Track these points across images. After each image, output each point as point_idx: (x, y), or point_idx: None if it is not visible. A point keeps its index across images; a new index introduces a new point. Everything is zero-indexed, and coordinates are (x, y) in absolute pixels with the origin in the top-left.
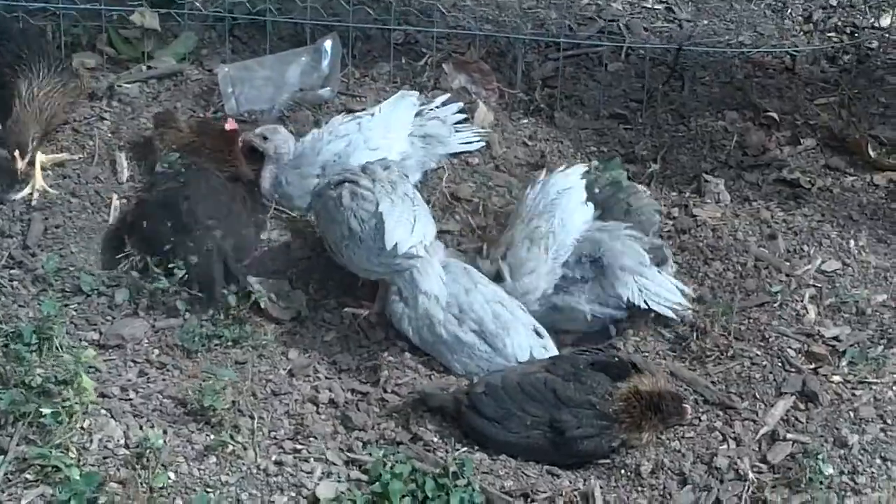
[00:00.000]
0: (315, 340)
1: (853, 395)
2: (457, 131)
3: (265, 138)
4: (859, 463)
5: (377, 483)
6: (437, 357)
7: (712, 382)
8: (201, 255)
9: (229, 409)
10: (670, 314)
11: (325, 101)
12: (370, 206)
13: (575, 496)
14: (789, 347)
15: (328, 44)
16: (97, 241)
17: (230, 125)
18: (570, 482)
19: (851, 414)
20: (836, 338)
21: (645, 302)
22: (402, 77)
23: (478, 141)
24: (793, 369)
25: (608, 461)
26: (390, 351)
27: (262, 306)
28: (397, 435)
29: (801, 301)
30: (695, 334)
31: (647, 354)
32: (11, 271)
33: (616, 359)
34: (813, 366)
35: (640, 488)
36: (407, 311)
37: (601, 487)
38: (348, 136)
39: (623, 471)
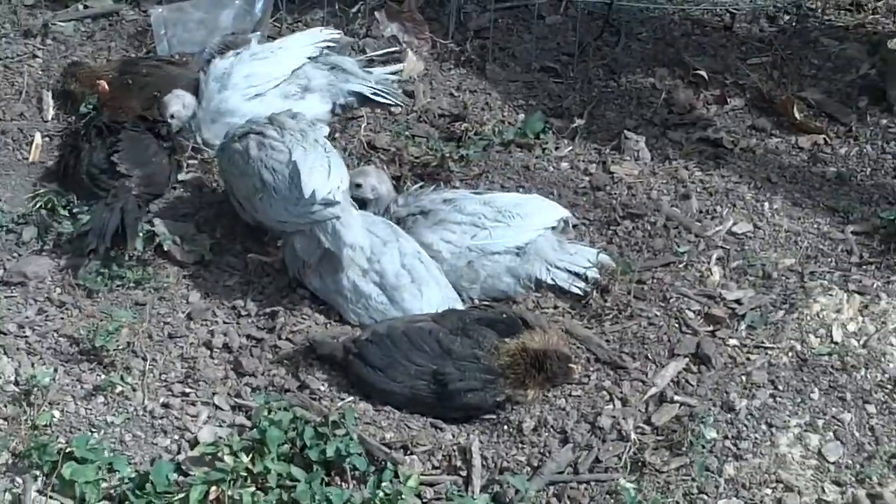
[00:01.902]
0: (217, 285)
1: (748, 359)
2: (368, 71)
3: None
4: (744, 428)
5: (255, 429)
6: (335, 306)
7: (607, 341)
8: (113, 197)
9: (123, 350)
10: (578, 292)
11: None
12: (281, 156)
13: (454, 450)
14: (689, 309)
15: None
16: (14, 178)
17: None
18: (454, 436)
19: (743, 378)
20: (737, 301)
21: (553, 280)
22: (336, 24)
23: (393, 98)
24: (689, 331)
25: (493, 417)
26: (290, 298)
27: (166, 249)
28: (286, 382)
29: (708, 263)
30: (595, 293)
31: (546, 311)
32: None
33: (505, 315)
34: (711, 328)
35: (520, 445)
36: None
37: (481, 442)
38: (240, 52)
39: (506, 427)
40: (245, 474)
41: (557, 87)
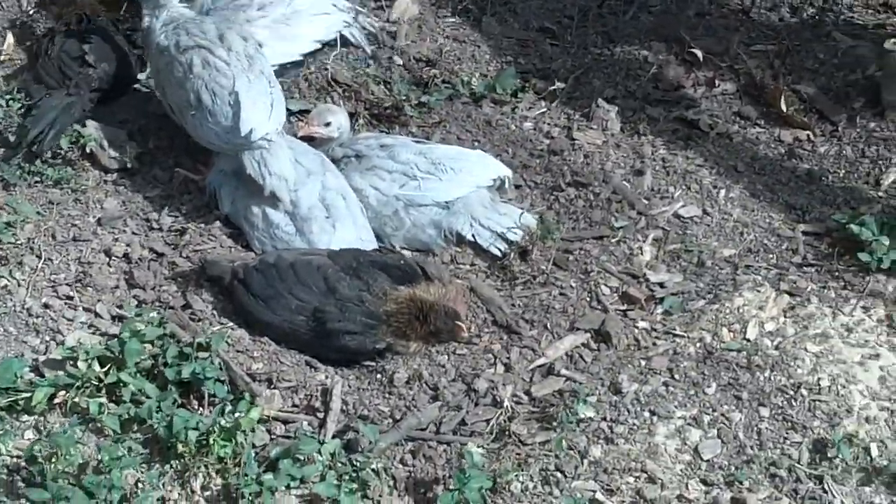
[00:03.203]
0: (136, 195)
1: (653, 344)
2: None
3: None
4: (626, 413)
5: (116, 340)
6: (242, 229)
7: (512, 305)
8: (74, 87)
9: (20, 245)
10: (497, 253)
11: None
12: (225, 81)
13: (317, 391)
14: (606, 285)
15: None
16: None
17: None
18: (327, 377)
19: (642, 363)
20: (661, 284)
21: (473, 237)
22: None
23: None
24: (599, 307)
25: (371, 364)
26: (205, 218)
27: (88, 151)
28: (172, 300)
29: (642, 242)
30: (516, 256)
31: (461, 266)
32: None
33: (403, 262)
34: (623, 308)
35: (387, 395)
36: (227, 180)
37: (348, 387)
38: None
39: (378, 375)
40: (97, 384)
41: (551, 49)
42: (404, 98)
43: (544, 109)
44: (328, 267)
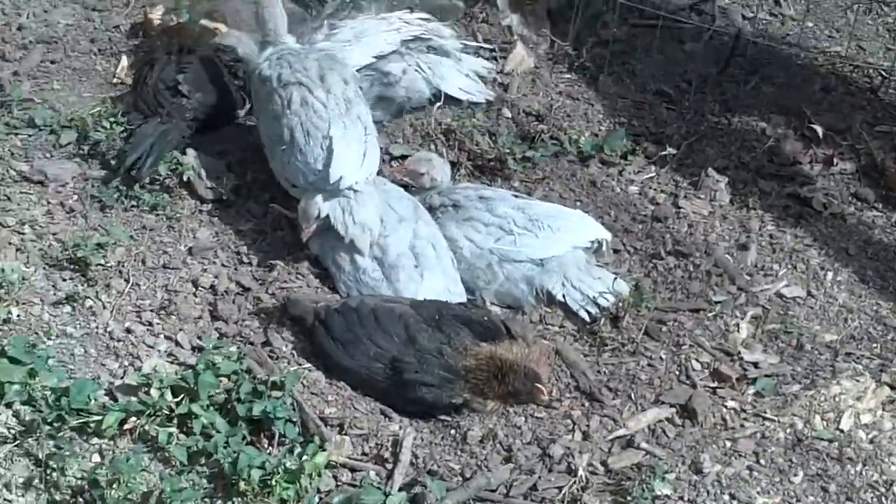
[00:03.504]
0: (229, 227)
1: (741, 425)
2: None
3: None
4: (705, 494)
5: (191, 371)
6: (329, 271)
7: (597, 372)
8: (167, 116)
9: (109, 268)
10: (586, 317)
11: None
12: (321, 124)
13: (388, 441)
14: (697, 359)
15: None
16: (87, 86)
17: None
18: (400, 428)
19: (727, 443)
20: (755, 363)
21: (564, 298)
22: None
23: (478, 90)
24: (687, 382)
25: (448, 419)
26: (294, 255)
27: (185, 179)
28: (254, 335)
29: (740, 319)
30: (607, 321)
31: (549, 327)
32: None
33: (487, 318)
34: (713, 384)
35: (459, 452)
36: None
37: (417, 440)
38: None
39: (452, 431)
40: (169, 413)
41: (666, 112)
42: (508, 151)
43: (652, 174)
44: (410, 316)
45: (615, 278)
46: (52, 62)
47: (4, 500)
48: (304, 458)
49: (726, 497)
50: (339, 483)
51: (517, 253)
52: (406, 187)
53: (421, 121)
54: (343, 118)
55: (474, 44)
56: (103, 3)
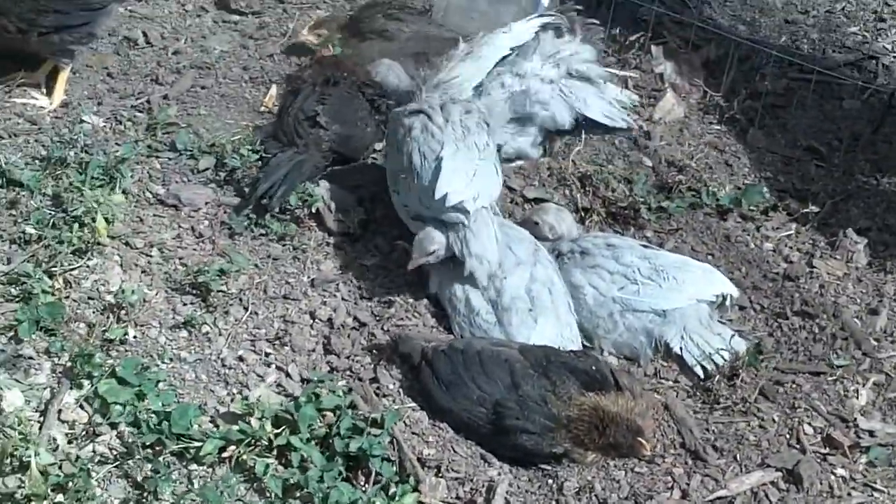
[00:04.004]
0: (353, 260)
1: (848, 494)
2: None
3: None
4: None
5: (293, 403)
6: (446, 311)
7: (705, 430)
8: (304, 147)
9: (229, 295)
10: (700, 373)
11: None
12: (435, 146)
13: (482, 486)
14: (811, 423)
15: None
16: (233, 113)
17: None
18: (499, 474)
19: None
20: (871, 432)
21: (681, 351)
22: (611, 48)
23: (622, 117)
24: (797, 446)
25: (547, 467)
26: (415, 294)
27: (313, 211)
28: (364, 371)
29: (861, 385)
30: (720, 378)
31: (663, 381)
32: (137, 113)
33: (595, 368)
34: (824, 450)
35: (553, 502)
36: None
37: (512, 486)
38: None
39: (549, 480)
40: (268, 444)
41: (815, 169)
42: (643, 200)
43: (790, 232)
44: (516, 361)
45: (733, 335)
46: (202, 87)
47: None
48: (394, 498)
49: None
50: None
51: (639, 303)
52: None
53: (559, 164)
54: (457, 141)
55: (620, 73)
56: (261, 31)
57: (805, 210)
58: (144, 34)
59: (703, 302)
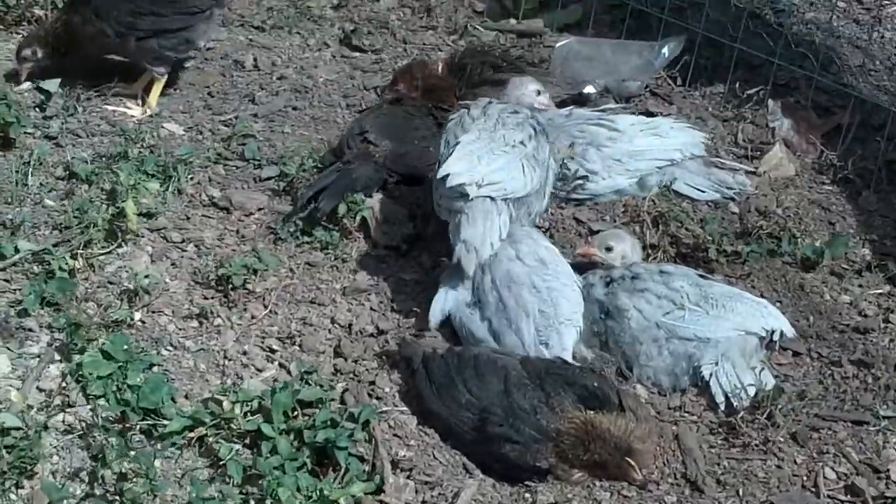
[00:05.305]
0: (392, 274)
1: None
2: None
3: None
4: None
5: (270, 389)
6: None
7: (715, 464)
8: (354, 158)
9: (254, 294)
10: (722, 406)
11: (629, 94)
12: (460, 133)
13: (450, 492)
14: (835, 469)
15: (669, 47)
16: (319, 133)
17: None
18: (476, 486)
19: None
20: None
21: (710, 382)
22: (719, 101)
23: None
24: (811, 489)
25: (531, 483)
26: None
27: (362, 220)
28: (366, 374)
29: None
30: (748, 416)
31: (687, 413)
32: (222, 126)
33: (597, 385)
34: (843, 498)
35: None
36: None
37: (479, 495)
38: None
39: (526, 495)
40: (236, 428)
41: None
42: (712, 240)
43: (879, 291)
44: (512, 369)
45: (762, 369)
46: (294, 108)
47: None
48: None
49: None
50: None
51: (684, 329)
52: (595, 265)
53: (636, 201)
54: (483, 131)
55: (731, 164)
56: (374, 66)
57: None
58: (255, 59)
59: (751, 335)
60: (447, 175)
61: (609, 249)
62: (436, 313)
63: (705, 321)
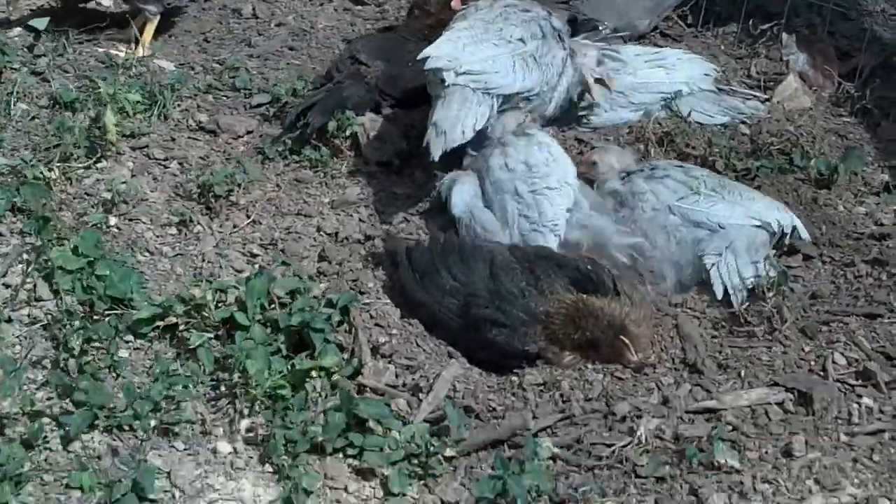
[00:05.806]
0: (384, 188)
1: (868, 422)
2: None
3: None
4: (785, 475)
5: (245, 278)
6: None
7: (717, 351)
8: (344, 77)
9: (237, 205)
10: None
11: (638, 33)
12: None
13: (432, 374)
14: (845, 355)
15: None
16: (316, 69)
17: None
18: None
19: (842, 437)
20: None
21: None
22: (731, 40)
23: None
24: (820, 372)
25: (520, 370)
26: (436, 219)
27: (347, 134)
28: (350, 273)
29: None
30: (745, 309)
31: (689, 309)
32: (215, 65)
33: (590, 268)
34: (854, 382)
35: (508, 395)
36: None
37: (463, 378)
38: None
39: (513, 378)
40: (209, 317)
41: None
42: (719, 153)
43: None
44: (499, 253)
45: (769, 260)
46: (290, 48)
47: None
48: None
49: (810, 482)
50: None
51: (696, 213)
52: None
53: (641, 124)
54: (479, 21)
55: (742, 91)
56: (376, 15)
57: None
58: (253, 8)
59: (762, 229)
60: (427, 57)
61: (594, 164)
62: (458, 203)
63: (720, 206)
